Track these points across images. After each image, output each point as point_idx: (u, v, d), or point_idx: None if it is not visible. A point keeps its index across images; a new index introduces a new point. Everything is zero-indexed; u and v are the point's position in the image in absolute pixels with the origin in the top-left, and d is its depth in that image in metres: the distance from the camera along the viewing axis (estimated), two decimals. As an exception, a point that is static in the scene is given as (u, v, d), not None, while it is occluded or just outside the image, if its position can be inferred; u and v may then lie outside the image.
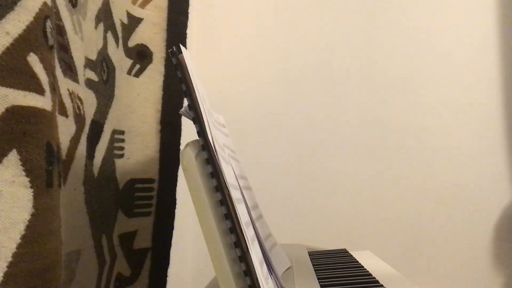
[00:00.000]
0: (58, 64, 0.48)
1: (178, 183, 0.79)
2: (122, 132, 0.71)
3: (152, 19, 0.77)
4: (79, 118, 0.55)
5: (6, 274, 0.34)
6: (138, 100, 0.74)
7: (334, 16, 1.21)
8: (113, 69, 0.69)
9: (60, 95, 0.48)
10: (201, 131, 0.40)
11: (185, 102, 0.45)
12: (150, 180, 0.76)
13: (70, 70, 0.52)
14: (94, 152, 0.61)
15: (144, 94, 0.75)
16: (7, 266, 0.34)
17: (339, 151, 1.18)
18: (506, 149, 1.16)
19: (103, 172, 0.64)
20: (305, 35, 1.21)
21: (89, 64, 0.60)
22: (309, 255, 0.77)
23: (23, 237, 0.35)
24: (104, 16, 0.65)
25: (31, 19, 0.37)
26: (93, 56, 0.61)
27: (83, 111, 0.56)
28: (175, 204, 0.79)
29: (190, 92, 0.40)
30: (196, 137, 0.41)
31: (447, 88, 1.18)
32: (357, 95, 1.19)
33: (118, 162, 0.70)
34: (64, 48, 0.51)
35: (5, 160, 0.35)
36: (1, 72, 0.35)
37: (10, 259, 0.35)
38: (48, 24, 0.39)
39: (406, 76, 1.19)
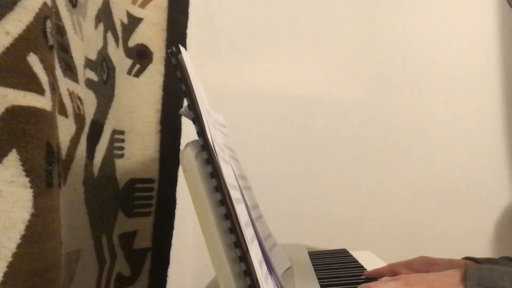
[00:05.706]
0: (58, 64, 0.48)
1: (178, 183, 0.79)
2: (122, 132, 0.71)
3: (152, 19, 0.77)
4: (79, 118, 0.55)
5: (6, 274, 0.34)
6: (138, 100, 0.74)
7: (335, 16, 1.21)
8: (113, 69, 0.68)
9: (60, 95, 0.48)
10: (201, 131, 0.40)
11: (185, 102, 0.45)
12: (150, 180, 0.76)
13: (70, 70, 0.52)
14: (94, 152, 0.61)
15: (144, 94, 0.75)
16: (7, 266, 0.34)
17: (339, 151, 1.18)
18: (506, 149, 1.16)
19: (103, 172, 0.64)
20: (306, 30, 1.21)
21: (89, 64, 0.60)
22: (309, 255, 0.77)
23: (23, 237, 0.35)
24: (104, 16, 0.65)
25: (31, 19, 0.37)
26: (93, 56, 0.61)
27: (83, 111, 0.56)
28: (175, 204, 0.79)
29: (189, 92, 0.40)
30: (196, 137, 0.41)
31: (448, 89, 1.18)
32: (358, 95, 1.19)
33: (118, 162, 0.70)
34: (64, 48, 0.51)
35: (5, 160, 0.35)
36: (1, 72, 0.35)
37: (10, 259, 0.35)
38: (48, 24, 0.39)
39: (407, 76, 1.19)
